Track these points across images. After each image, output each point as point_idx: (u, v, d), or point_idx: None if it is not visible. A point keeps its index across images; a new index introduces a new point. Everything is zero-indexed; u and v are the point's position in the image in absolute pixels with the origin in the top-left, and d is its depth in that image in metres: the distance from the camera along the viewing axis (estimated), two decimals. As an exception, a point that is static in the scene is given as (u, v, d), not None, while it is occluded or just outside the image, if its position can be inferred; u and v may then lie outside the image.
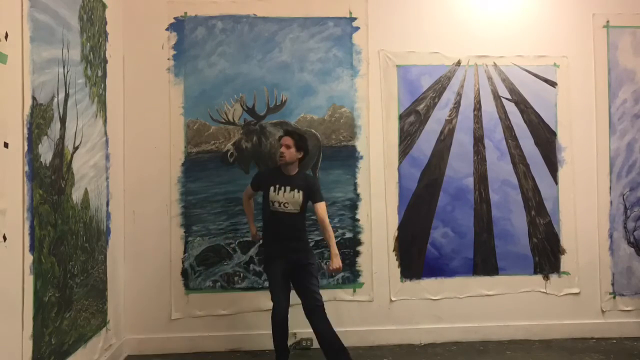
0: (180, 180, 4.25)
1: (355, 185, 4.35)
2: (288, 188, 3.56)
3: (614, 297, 4.48)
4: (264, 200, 3.65)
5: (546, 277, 4.45)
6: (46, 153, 2.86)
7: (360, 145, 4.36)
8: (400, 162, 4.38)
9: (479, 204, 4.44)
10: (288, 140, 3.57)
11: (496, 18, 4.47)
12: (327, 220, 3.60)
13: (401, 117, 4.40)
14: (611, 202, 4.49)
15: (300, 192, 3.56)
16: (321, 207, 3.59)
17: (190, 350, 4.18)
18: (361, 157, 4.35)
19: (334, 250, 3.56)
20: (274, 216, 3.57)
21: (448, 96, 4.43)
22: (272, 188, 3.56)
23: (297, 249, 3.58)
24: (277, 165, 3.69)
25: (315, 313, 3.51)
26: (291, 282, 3.60)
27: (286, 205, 3.54)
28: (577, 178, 4.47)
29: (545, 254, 4.46)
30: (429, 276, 4.38)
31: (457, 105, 4.44)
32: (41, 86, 2.81)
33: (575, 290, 4.46)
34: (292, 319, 4.24)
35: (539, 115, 4.47)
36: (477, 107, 4.45)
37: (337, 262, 3.55)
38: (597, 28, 4.50)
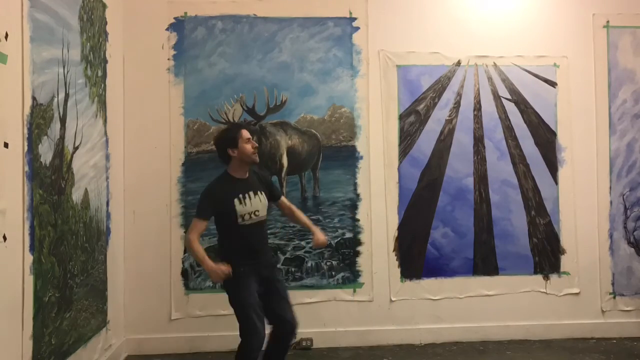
0: (180, 180, 4.25)
1: (355, 185, 4.35)
2: (251, 193, 3.09)
3: (614, 297, 4.48)
4: (222, 222, 3.09)
5: (546, 277, 4.45)
6: (46, 153, 2.86)
7: (360, 145, 4.36)
8: (400, 162, 4.38)
9: (479, 204, 4.44)
10: (248, 133, 3.13)
11: (496, 18, 4.46)
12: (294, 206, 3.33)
13: (401, 117, 4.40)
14: (611, 202, 4.49)
15: (263, 193, 3.16)
16: (284, 199, 3.34)
17: (190, 350, 4.18)
18: (361, 157, 4.35)
19: (314, 226, 3.28)
20: (244, 232, 3.04)
21: (448, 96, 4.43)
22: (236, 201, 3.01)
23: (270, 263, 3.20)
24: (226, 175, 3.13)
25: (292, 337, 3.14)
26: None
27: (257, 213, 3.07)
28: (577, 178, 4.47)
29: (545, 254, 4.46)
30: (429, 276, 4.38)
31: (457, 105, 4.44)
32: (41, 86, 2.81)
33: (575, 290, 4.46)
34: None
35: (539, 115, 4.47)
36: (477, 107, 4.45)
37: (322, 235, 3.23)
38: (597, 28, 4.50)
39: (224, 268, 2.94)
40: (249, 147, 3.06)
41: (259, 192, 3.11)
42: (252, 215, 3.04)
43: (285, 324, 3.08)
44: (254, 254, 3.06)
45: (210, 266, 2.94)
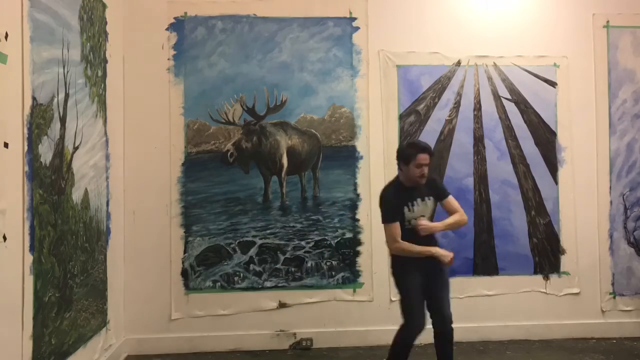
0: (180, 180, 4.25)
1: (355, 185, 4.35)
2: (419, 200, 3.22)
3: (614, 297, 4.48)
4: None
5: (546, 277, 4.45)
6: (46, 153, 2.86)
7: (360, 145, 4.36)
8: (400, 162, 4.37)
9: (479, 204, 4.44)
10: (427, 158, 3.17)
11: (496, 18, 4.46)
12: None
13: (401, 117, 4.40)
14: (611, 202, 4.49)
15: (431, 198, 3.27)
16: (450, 199, 3.32)
17: (190, 350, 4.18)
18: (361, 157, 4.35)
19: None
20: (411, 232, 3.17)
21: (448, 96, 4.43)
22: (405, 209, 3.18)
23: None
24: (397, 182, 3.26)
25: (447, 333, 3.27)
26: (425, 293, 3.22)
27: (422, 218, 3.21)
28: (577, 178, 4.47)
29: (545, 254, 4.46)
30: (429, 276, 4.37)
31: (457, 105, 4.44)
32: (41, 86, 2.81)
33: (575, 290, 4.45)
34: (292, 318, 4.26)
35: (539, 115, 4.47)
36: (477, 107, 4.45)
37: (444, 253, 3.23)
38: (597, 28, 4.50)
39: (449, 252, 3.15)
40: (416, 172, 3.15)
41: (426, 198, 3.23)
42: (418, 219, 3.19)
43: (440, 318, 3.20)
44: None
45: (437, 251, 3.13)
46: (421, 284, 3.18)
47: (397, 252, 3.17)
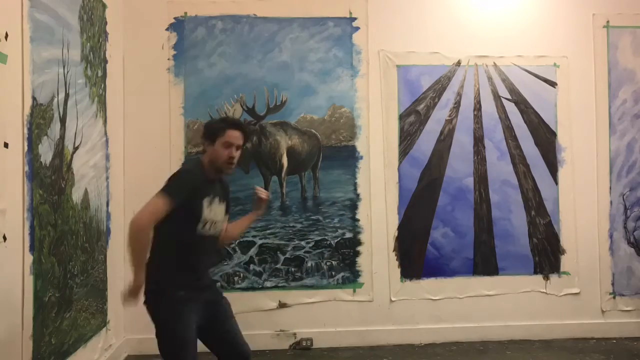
0: (180, 180, 4.24)
1: (355, 185, 4.35)
2: (217, 200, 2.46)
3: (614, 297, 4.47)
4: (178, 222, 2.29)
5: (546, 277, 4.45)
6: (46, 153, 2.86)
7: (360, 145, 4.36)
8: (400, 162, 4.37)
9: (479, 204, 4.44)
10: (239, 136, 2.44)
11: (496, 18, 4.46)
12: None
13: (401, 117, 4.40)
14: (611, 202, 4.49)
15: (224, 203, 2.55)
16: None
17: (190, 350, 4.17)
18: (361, 157, 4.35)
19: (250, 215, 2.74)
20: (199, 243, 2.39)
21: (448, 96, 4.43)
22: (205, 202, 2.36)
23: (212, 282, 2.70)
24: (201, 165, 2.46)
25: None
26: (205, 332, 2.45)
27: (216, 225, 2.46)
28: (577, 178, 4.47)
29: (545, 254, 4.46)
30: (429, 276, 4.38)
31: (457, 105, 4.44)
32: (41, 86, 2.81)
33: (575, 290, 4.45)
34: (292, 318, 4.26)
35: (539, 115, 4.47)
36: (477, 107, 4.45)
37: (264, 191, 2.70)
38: (597, 28, 4.50)
39: (139, 285, 2.25)
40: (223, 153, 2.39)
41: (222, 201, 2.51)
42: (211, 226, 2.42)
43: (243, 356, 2.50)
44: (198, 273, 2.43)
45: (136, 276, 2.23)
46: (198, 327, 2.36)
47: (135, 230, 2.20)
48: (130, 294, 2.27)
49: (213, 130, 2.44)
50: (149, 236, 2.23)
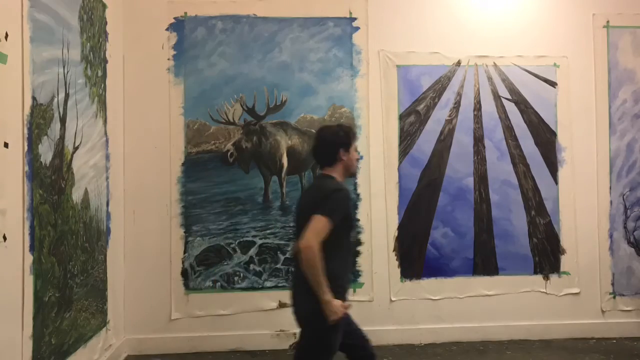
0: (180, 180, 4.25)
1: (355, 185, 4.34)
2: None
3: (614, 297, 4.48)
4: (337, 235, 2.36)
5: (546, 277, 4.45)
6: (46, 153, 2.86)
7: (360, 145, 4.35)
8: (400, 162, 4.38)
9: (479, 204, 4.44)
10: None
11: (496, 18, 4.46)
12: None
13: (401, 117, 4.40)
14: (611, 202, 4.49)
15: None
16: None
17: (190, 350, 4.17)
18: (361, 157, 4.35)
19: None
20: (348, 252, 2.59)
21: (448, 96, 4.43)
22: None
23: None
24: (337, 179, 2.52)
25: None
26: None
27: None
28: (577, 178, 4.47)
29: (545, 254, 4.46)
30: (429, 276, 4.38)
31: (457, 105, 4.44)
32: (41, 86, 2.81)
33: (575, 290, 4.45)
34: (292, 318, 4.24)
35: (539, 115, 4.47)
36: (477, 107, 4.45)
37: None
38: (597, 28, 4.50)
39: (344, 304, 2.34)
40: (356, 157, 2.59)
41: None
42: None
43: (371, 352, 2.59)
44: (348, 283, 2.56)
45: (331, 301, 2.28)
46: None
47: (309, 257, 2.27)
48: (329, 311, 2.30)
49: (349, 137, 2.52)
50: (317, 258, 2.29)
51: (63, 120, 3.09)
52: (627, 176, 4.51)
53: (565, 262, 4.46)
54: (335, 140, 2.50)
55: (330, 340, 2.37)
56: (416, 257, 4.38)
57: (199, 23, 4.29)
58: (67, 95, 3.15)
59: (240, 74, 4.31)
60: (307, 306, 2.36)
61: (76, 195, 3.26)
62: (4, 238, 2.44)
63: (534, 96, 4.47)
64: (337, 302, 2.29)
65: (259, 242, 4.26)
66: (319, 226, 2.30)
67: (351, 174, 2.59)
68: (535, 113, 4.47)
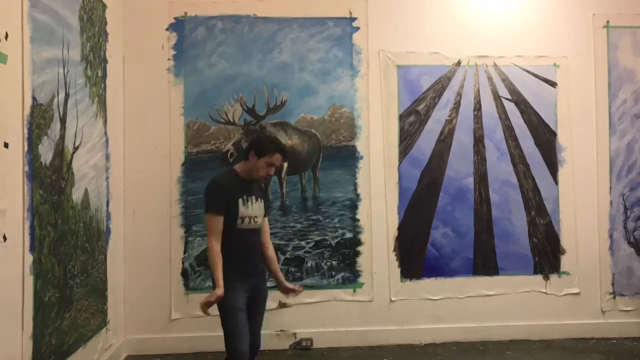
0: (180, 180, 4.25)
1: (355, 185, 4.35)
2: (253, 198, 2.86)
3: (614, 297, 4.48)
4: (229, 225, 2.78)
5: (546, 277, 4.45)
6: (46, 153, 2.86)
7: (360, 145, 4.36)
8: (400, 162, 4.38)
9: (479, 204, 4.44)
10: (281, 160, 2.87)
11: (496, 18, 4.46)
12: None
13: (401, 117, 4.40)
14: (611, 202, 4.49)
15: (262, 202, 2.95)
16: (266, 219, 3.05)
17: (190, 350, 4.17)
18: (361, 157, 4.35)
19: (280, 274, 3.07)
20: (242, 236, 2.82)
21: (448, 96, 4.43)
22: (240, 201, 2.79)
23: (260, 270, 2.97)
24: (233, 172, 2.89)
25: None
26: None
27: (255, 220, 2.86)
28: (577, 178, 4.47)
29: (545, 254, 4.46)
30: (429, 276, 4.38)
31: (457, 105, 4.44)
32: (41, 86, 2.81)
33: (575, 290, 4.45)
34: (292, 318, 4.26)
35: (539, 115, 4.47)
36: (477, 107, 4.45)
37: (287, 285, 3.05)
38: (597, 28, 4.50)
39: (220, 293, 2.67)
40: (264, 169, 2.81)
41: (259, 199, 2.91)
42: (252, 221, 2.83)
43: (253, 344, 2.84)
44: (246, 261, 2.84)
45: (218, 280, 2.68)
46: (246, 303, 2.80)
47: (209, 253, 2.74)
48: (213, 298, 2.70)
49: (264, 148, 2.82)
50: (219, 256, 2.75)
51: (63, 120, 3.09)
52: (627, 176, 4.51)
53: (565, 262, 4.46)
54: (255, 142, 2.93)
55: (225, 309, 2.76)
56: (416, 257, 4.39)
57: (199, 23, 4.29)
58: (67, 95, 3.15)
59: (240, 74, 4.31)
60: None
61: (76, 196, 3.26)
62: (4, 238, 2.44)
63: (534, 96, 4.47)
64: (216, 292, 2.67)
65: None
66: (208, 225, 2.76)
67: (253, 178, 2.86)
68: (535, 113, 4.48)
